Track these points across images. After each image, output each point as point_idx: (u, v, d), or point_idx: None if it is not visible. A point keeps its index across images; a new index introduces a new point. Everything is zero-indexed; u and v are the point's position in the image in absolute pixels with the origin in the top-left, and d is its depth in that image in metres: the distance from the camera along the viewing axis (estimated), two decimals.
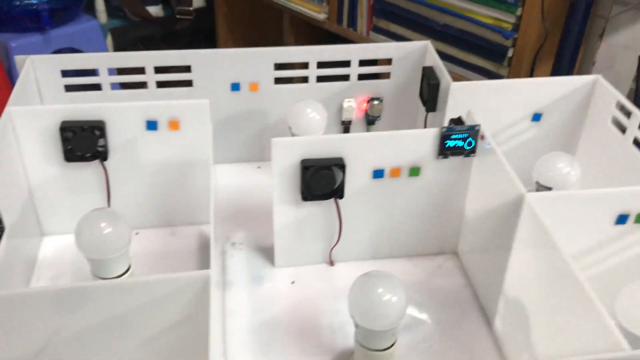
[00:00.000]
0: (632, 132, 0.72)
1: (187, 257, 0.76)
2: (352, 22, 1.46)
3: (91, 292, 0.49)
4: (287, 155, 0.66)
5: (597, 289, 0.60)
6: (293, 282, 0.73)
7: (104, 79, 0.81)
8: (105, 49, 1.84)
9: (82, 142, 0.70)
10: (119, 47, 2.05)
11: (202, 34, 2.19)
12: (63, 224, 0.75)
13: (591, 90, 0.79)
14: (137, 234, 0.78)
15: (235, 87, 0.85)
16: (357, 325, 0.55)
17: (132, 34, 2.18)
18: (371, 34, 1.43)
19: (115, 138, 0.72)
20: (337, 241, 0.73)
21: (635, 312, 0.53)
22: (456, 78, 1.29)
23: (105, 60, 0.80)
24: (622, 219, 0.60)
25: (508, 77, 1.20)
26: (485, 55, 1.22)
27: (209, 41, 2.16)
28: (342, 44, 1.57)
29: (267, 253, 0.76)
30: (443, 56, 1.29)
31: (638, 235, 0.61)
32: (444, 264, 0.76)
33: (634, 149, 0.71)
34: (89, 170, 0.73)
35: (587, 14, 1.08)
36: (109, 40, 1.89)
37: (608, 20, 1.29)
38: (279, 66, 0.85)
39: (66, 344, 0.52)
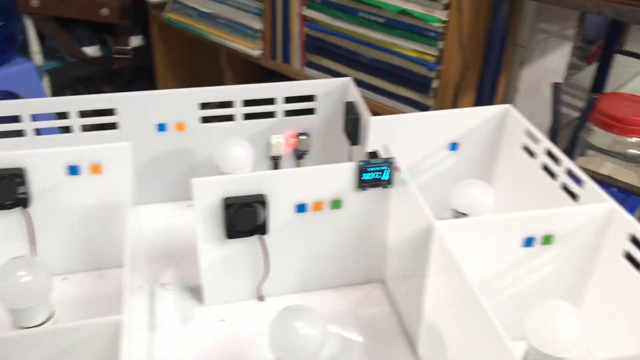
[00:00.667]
0: (540, 157, 0.76)
1: (115, 300, 0.75)
2: (286, 58, 1.49)
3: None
4: (209, 194, 0.67)
5: (510, 310, 0.63)
6: (223, 320, 0.73)
7: (26, 125, 0.81)
8: (41, 91, 1.82)
9: (2, 191, 0.70)
10: (56, 88, 2.03)
11: (141, 72, 2.19)
12: None
13: (503, 119, 0.83)
14: (64, 279, 0.78)
15: (162, 127, 0.86)
16: None
17: (70, 75, 2.16)
18: (305, 69, 1.46)
19: (37, 184, 0.71)
20: (265, 277, 0.74)
21: (543, 332, 0.56)
22: (386, 110, 1.33)
23: (26, 107, 0.80)
24: (528, 242, 0.63)
25: (434, 107, 1.25)
26: (412, 87, 1.26)
27: (149, 79, 2.17)
28: (279, 79, 1.61)
29: (197, 292, 0.76)
30: (373, 89, 1.34)
31: (545, 256, 0.64)
32: (370, 293, 0.78)
33: (543, 173, 0.75)
34: (10, 218, 0.72)
35: (503, 44, 1.14)
36: (46, 81, 1.87)
37: (528, 49, 1.35)
38: (205, 105, 0.87)
39: None
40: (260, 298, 0.76)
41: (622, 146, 1.56)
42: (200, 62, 2.06)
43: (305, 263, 0.75)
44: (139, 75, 2.20)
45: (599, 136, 1.57)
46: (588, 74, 2.18)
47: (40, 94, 1.81)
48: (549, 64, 1.54)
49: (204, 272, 0.72)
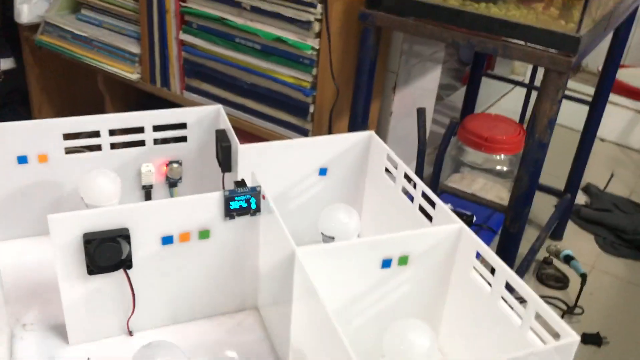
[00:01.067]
0: (400, 181, 0.80)
1: None
2: (165, 82, 1.48)
3: None
4: (68, 231, 0.65)
5: (372, 330, 0.66)
6: (89, 359, 0.71)
7: None
8: None
9: None
10: None
11: (14, 96, 2.07)
12: None
13: (367, 145, 0.87)
14: None
15: (23, 159, 0.83)
16: None
17: None
18: (185, 92, 1.45)
19: None
20: (133, 311, 0.72)
21: (399, 349, 0.59)
22: (267, 134, 1.35)
23: None
24: (386, 263, 0.67)
25: (313, 130, 1.28)
26: (291, 112, 1.29)
27: (23, 103, 2.06)
28: (158, 102, 1.58)
29: (61, 331, 0.73)
30: (254, 113, 1.35)
31: (401, 276, 0.68)
32: (244, 321, 0.78)
33: (402, 196, 0.80)
34: None
35: (373, 71, 1.20)
36: None
37: (398, 74, 1.43)
38: (69, 136, 0.84)
39: None
40: (130, 333, 0.74)
41: (491, 163, 1.68)
42: (78, 86, 1.99)
43: (175, 295, 0.74)
44: (12, 99, 2.08)
45: (471, 154, 1.68)
46: (462, 94, 2.33)
47: None
48: (421, 87, 1.63)
49: (66, 310, 0.70)
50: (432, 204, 0.74)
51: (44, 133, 0.82)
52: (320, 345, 0.59)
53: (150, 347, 0.56)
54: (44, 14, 1.68)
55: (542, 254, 1.83)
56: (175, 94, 1.48)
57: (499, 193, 1.80)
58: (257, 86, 1.32)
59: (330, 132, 1.25)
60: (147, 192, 0.92)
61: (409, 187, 0.79)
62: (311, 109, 1.26)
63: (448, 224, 0.69)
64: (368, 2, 1.11)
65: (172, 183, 0.93)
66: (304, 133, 1.29)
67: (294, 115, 1.29)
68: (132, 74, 1.51)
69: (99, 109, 2.11)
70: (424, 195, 0.75)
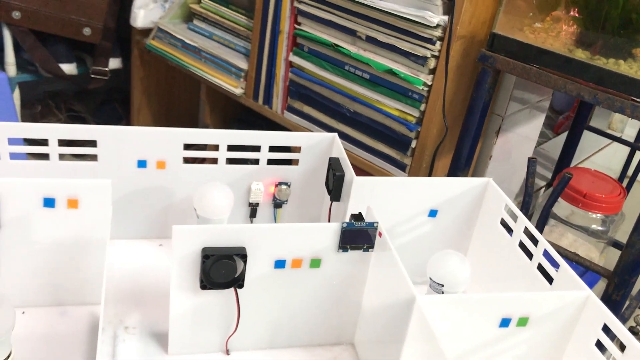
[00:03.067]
0: (518, 235, 0.77)
1: (76, 340, 0.72)
2: (268, 100, 1.50)
3: None
4: (188, 243, 0.66)
5: None
6: None
7: (2, 148, 0.78)
8: (11, 103, 1.77)
9: None
10: (27, 101, 1.99)
11: (116, 94, 2.16)
12: None
13: (483, 192, 0.85)
14: (23, 313, 0.74)
15: (142, 164, 0.85)
16: None
17: (42, 89, 2.12)
18: (285, 113, 1.47)
19: (8, 212, 0.69)
20: (235, 330, 0.72)
21: None
22: (363, 163, 1.34)
23: (5, 129, 0.78)
24: (505, 322, 0.64)
25: (411, 166, 1.26)
26: (391, 144, 1.28)
27: (123, 102, 2.14)
28: (257, 119, 1.60)
29: (161, 339, 0.74)
30: (352, 141, 1.35)
31: (519, 337, 0.65)
32: (340, 355, 0.77)
33: (519, 251, 0.77)
34: None
35: (485, 113, 1.17)
36: (17, 93, 1.82)
37: (504, 119, 1.39)
38: (189, 146, 0.86)
39: None
40: (227, 352, 0.74)
41: (584, 220, 1.61)
42: (177, 92, 2.05)
43: (276, 319, 0.74)
44: (113, 97, 2.17)
45: (564, 209, 1.61)
46: (554, 143, 2.26)
47: (10, 106, 1.76)
48: (523, 133, 1.59)
49: (172, 320, 0.70)
50: (552, 262, 0.71)
51: (165, 141, 0.84)
52: None
53: None
54: (158, 20, 1.74)
55: (628, 322, 1.73)
56: (276, 113, 1.49)
57: (588, 252, 1.72)
58: (359, 115, 1.31)
59: (431, 170, 1.23)
60: (253, 210, 0.92)
61: (528, 243, 0.76)
62: (413, 144, 1.24)
63: (572, 289, 0.66)
64: (490, 44, 1.09)
65: (277, 204, 0.93)
66: (402, 167, 1.28)
67: (394, 148, 1.28)
68: (236, 88, 1.54)
69: (195, 118, 2.17)
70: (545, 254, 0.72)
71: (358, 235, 0.71)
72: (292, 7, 1.36)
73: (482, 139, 1.40)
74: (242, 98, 1.55)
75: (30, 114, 2.05)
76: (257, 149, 0.89)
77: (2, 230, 0.69)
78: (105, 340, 0.73)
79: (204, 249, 0.66)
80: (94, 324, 0.74)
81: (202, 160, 0.98)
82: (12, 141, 0.79)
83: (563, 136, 2.01)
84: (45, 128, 0.79)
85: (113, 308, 0.77)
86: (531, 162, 1.06)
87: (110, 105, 2.18)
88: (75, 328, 0.74)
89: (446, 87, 1.14)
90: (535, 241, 0.75)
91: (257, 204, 0.92)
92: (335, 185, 0.84)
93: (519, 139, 1.58)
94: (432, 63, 1.16)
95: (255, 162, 0.90)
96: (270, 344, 0.75)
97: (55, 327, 0.74)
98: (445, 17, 1.13)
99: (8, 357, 0.61)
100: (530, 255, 0.75)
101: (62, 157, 0.82)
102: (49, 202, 0.69)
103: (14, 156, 0.80)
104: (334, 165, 0.85)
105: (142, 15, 1.77)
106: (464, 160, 1.19)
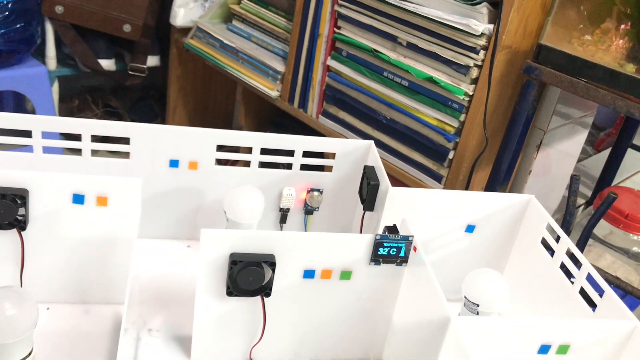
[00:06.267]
0: (560, 257, 0.73)
1: (98, 339, 0.71)
2: (303, 104, 1.48)
3: None
4: (216, 247, 0.64)
5: None
6: None
7: (36, 141, 0.78)
8: (50, 97, 1.79)
9: (1, 210, 0.66)
10: (65, 95, 2.01)
11: (152, 91, 2.17)
12: None
13: (524, 209, 0.81)
14: (47, 309, 0.74)
15: (174, 163, 0.84)
16: None
17: (80, 84, 2.14)
18: (320, 117, 1.45)
19: (37, 208, 0.68)
20: (260, 339, 0.70)
21: None
22: (397, 172, 1.31)
23: (40, 122, 0.77)
24: (544, 349, 0.60)
25: (447, 177, 1.23)
26: (428, 154, 1.25)
27: (159, 99, 2.15)
28: (291, 122, 1.59)
29: (184, 344, 0.72)
30: (387, 149, 1.32)
31: None
32: None
33: (560, 273, 0.73)
34: (3, 238, 0.69)
35: (527, 127, 1.13)
36: (56, 87, 1.85)
37: (546, 133, 1.35)
38: (222, 147, 0.84)
39: None
40: None
41: (625, 242, 1.55)
42: (213, 92, 2.05)
43: (302, 331, 0.71)
44: (149, 94, 2.18)
45: (604, 229, 1.55)
46: (595, 160, 2.19)
47: (49, 99, 1.78)
48: (564, 149, 1.54)
49: (196, 325, 0.68)
50: (597, 288, 0.67)
51: (199, 141, 0.83)
52: None
53: None
54: (197, 19, 1.74)
55: None
56: (310, 117, 1.47)
57: (627, 275, 1.65)
58: (396, 122, 1.28)
59: (468, 182, 1.20)
60: (284, 215, 0.90)
61: (570, 265, 0.72)
62: (450, 155, 1.20)
63: (617, 317, 0.62)
64: (536, 55, 1.05)
65: (308, 210, 0.91)
66: (438, 179, 1.24)
67: (430, 158, 1.24)
68: (272, 91, 1.53)
69: (229, 119, 2.17)
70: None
71: (391, 249, 0.68)
72: (333, 10, 1.34)
73: (522, 153, 1.36)
74: (278, 101, 1.53)
75: (67, 107, 2.07)
76: (290, 153, 0.87)
77: (31, 225, 0.69)
78: (128, 341, 0.71)
79: (232, 255, 0.64)
80: (117, 324, 0.73)
81: (235, 163, 0.96)
82: (46, 135, 0.79)
83: (604, 153, 1.95)
84: (79, 123, 0.78)
85: (137, 309, 0.76)
86: (574, 179, 1.01)
87: (147, 102, 2.19)
88: (99, 327, 0.73)
89: (488, 98, 1.10)
90: (578, 264, 0.71)
91: (288, 210, 0.90)
92: (369, 195, 0.81)
93: (560, 154, 1.53)
94: (474, 72, 1.13)
95: (288, 167, 0.87)
96: (295, 355, 0.73)
97: (79, 325, 0.73)
98: (491, 26, 1.10)
99: (30, 354, 0.59)
100: (571, 277, 0.71)
101: (94, 153, 0.81)
102: (78, 199, 0.68)
103: (47, 150, 0.79)
104: (368, 174, 0.83)
105: (182, 14, 1.78)
106: (503, 174, 1.15)
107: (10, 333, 0.56)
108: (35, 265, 0.71)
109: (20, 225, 0.68)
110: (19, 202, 0.66)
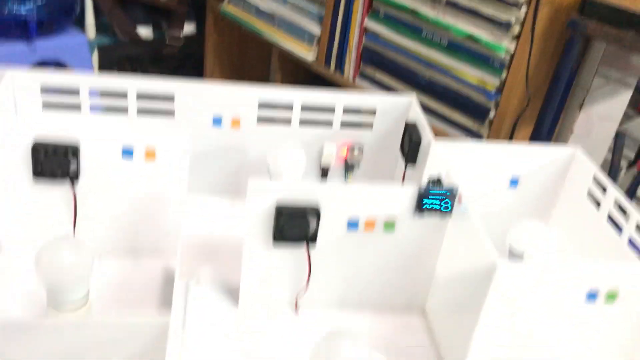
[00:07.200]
0: (606, 208, 0.73)
1: (150, 290, 0.73)
2: (340, 66, 1.47)
3: (43, 328, 0.47)
4: (263, 198, 0.65)
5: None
6: (255, 326, 0.71)
7: (84, 100, 0.80)
8: (90, 65, 1.82)
9: (54, 164, 0.69)
10: (104, 64, 2.04)
11: (189, 59, 2.19)
12: (24, 246, 0.73)
13: (569, 161, 0.80)
14: (100, 261, 0.76)
15: (217, 122, 0.85)
16: None
17: (119, 53, 2.17)
18: (357, 79, 1.44)
19: (88, 162, 0.70)
20: (306, 288, 0.71)
21: None
22: (436, 132, 1.30)
23: (87, 81, 0.79)
24: (591, 296, 0.60)
25: (488, 137, 1.22)
26: (468, 114, 1.23)
27: (196, 67, 2.16)
28: (328, 86, 1.59)
29: (232, 293, 0.74)
30: (425, 109, 1.31)
31: (606, 313, 0.61)
32: (410, 322, 0.75)
33: (607, 225, 0.72)
34: (57, 192, 0.71)
35: (570, 84, 1.11)
36: (95, 56, 1.87)
37: (589, 92, 1.32)
38: (263, 105, 0.85)
39: None
40: (296, 309, 0.73)
41: None
42: (250, 58, 2.06)
43: (347, 280, 0.73)
44: (186, 63, 2.20)
45: None
46: (637, 123, 2.13)
47: (89, 69, 1.81)
48: (608, 111, 1.50)
49: (244, 275, 0.70)
50: None
51: (241, 99, 0.84)
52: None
53: (337, 336, 0.54)
54: None
55: None
56: (347, 80, 1.47)
57: None
58: (435, 83, 1.27)
59: (509, 140, 1.18)
60: (324, 173, 0.91)
61: (618, 217, 0.71)
62: (491, 114, 1.19)
63: None
64: (581, 9, 1.03)
65: (349, 167, 0.91)
66: (478, 138, 1.23)
67: (471, 117, 1.23)
68: (308, 54, 1.52)
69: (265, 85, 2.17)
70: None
71: (435, 200, 0.68)
72: None
73: (564, 113, 1.33)
74: (314, 64, 1.53)
75: None
76: (330, 111, 0.87)
77: (82, 179, 0.71)
78: (178, 291, 0.74)
79: (278, 205, 0.65)
80: (167, 276, 0.75)
81: (275, 122, 0.97)
82: (92, 94, 0.81)
83: None
84: (124, 80, 0.80)
85: (186, 261, 0.78)
86: (619, 137, 1.00)
87: (184, 71, 2.21)
88: (150, 278, 0.75)
89: (531, 55, 1.08)
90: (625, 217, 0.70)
91: (329, 168, 0.91)
92: (411, 151, 0.81)
93: (603, 115, 1.49)
94: (516, 29, 1.11)
95: (329, 124, 0.88)
96: (339, 303, 0.74)
97: (130, 277, 0.75)
98: None
99: (85, 301, 0.62)
100: (619, 230, 0.70)
101: (139, 112, 0.83)
102: (127, 154, 0.70)
103: (94, 109, 0.81)
104: (410, 129, 0.83)
105: None
106: (545, 134, 1.14)
107: (67, 279, 0.58)
108: (87, 218, 0.73)
109: (73, 179, 0.70)
110: (70, 156, 0.68)
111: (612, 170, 1.00)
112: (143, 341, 0.48)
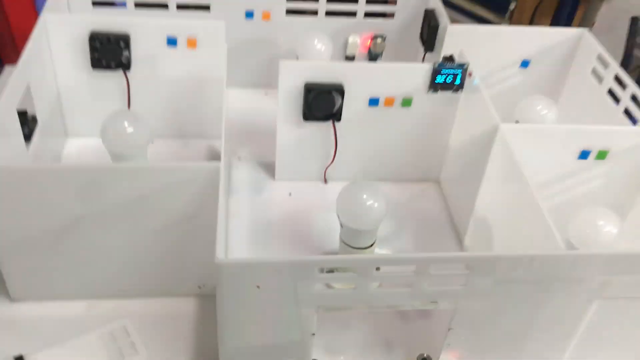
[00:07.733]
0: (608, 82, 0.79)
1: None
2: None
3: (111, 174, 0.57)
4: (293, 78, 0.73)
5: (556, 216, 0.68)
6: (290, 194, 0.81)
7: None
8: None
9: (108, 52, 0.77)
10: None
11: None
12: (86, 127, 0.83)
13: (577, 43, 0.85)
14: (152, 142, 0.86)
15: (249, 14, 0.92)
16: (342, 225, 0.64)
17: None
18: None
19: (138, 51, 0.79)
20: (332, 161, 0.81)
21: (584, 231, 0.62)
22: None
23: None
24: (584, 154, 0.68)
25: None
26: (489, 7, 1.27)
27: None
28: None
29: (269, 168, 0.84)
30: (447, 4, 1.34)
31: (597, 170, 0.69)
32: (426, 190, 0.84)
33: (607, 98, 0.79)
34: (112, 79, 0.81)
35: None
36: None
37: None
38: None
39: (85, 224, 0.60)
40: (325, 180, 0.83)
41: None
42: None
43: (369, 154, 0.82)
44: None
45: None
46: None
47: None
48: (629, 6, 1.51)
49: (278, 149, 0.80)
50: None
51: None
52: (511, 217, 0.64)
53: (358, 184, 0.63)
54: None
55: None
56: None
57: None
58: None
59: None
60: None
61: (617, 90, 0.77)
62: (512, 6, 1.23)
63: None
64: None
65: (372, 57, 0.98)
66: None
67: (492, 11, 1.27)
68: None
69: None
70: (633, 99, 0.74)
71: (448, 76, 0.75)
72: None
73: (586, 5, 1.35)
74: None
75: None
76: (354, 1, 0.93)
77: (134, 66, 0.80)
78: (222, 167, 0.84)
79: (307, 84, 0.74)
80: (212, 155, 0.86)
81: (303, 14, 1.03)
82: None
83: None
84: None
85: (228, 141, 0.87)
86: (634, 20, 1.03)
87: None
88: (197, 157, 0.85)
89: None
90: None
91: (354, 57, 0.97)
92: (429, 36, 0.88)
93: (625, 9, 1.50)
94: None
95: (353, 15, 0.94)
96: (363, 176, 0.83)
97: (180, 155, 0.85)
98: None
99: None
100: (618, 102, 0.77)
101: (178, 7, 0.90)
102: (171, 42, 0.79)
103: (138, 5, 0.89)
104: (429, 16, 0.88)
105: None
106: (563, 25, 1.17)
107: (132, 145, 0.68)
108: (139, 103, 0.83)
109: (126, 66, 0.79)
110: (122, 45, 0.77)
111: (625, 54, 1.05)
112: (198, 185, 0.58)
